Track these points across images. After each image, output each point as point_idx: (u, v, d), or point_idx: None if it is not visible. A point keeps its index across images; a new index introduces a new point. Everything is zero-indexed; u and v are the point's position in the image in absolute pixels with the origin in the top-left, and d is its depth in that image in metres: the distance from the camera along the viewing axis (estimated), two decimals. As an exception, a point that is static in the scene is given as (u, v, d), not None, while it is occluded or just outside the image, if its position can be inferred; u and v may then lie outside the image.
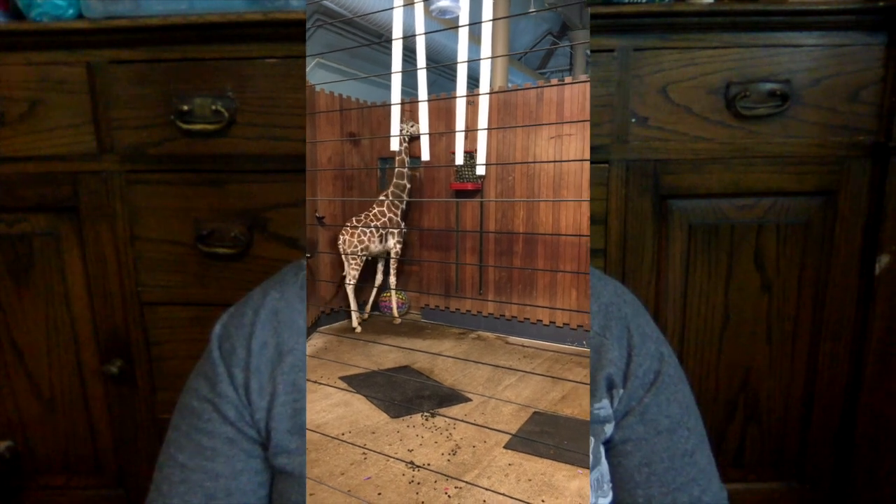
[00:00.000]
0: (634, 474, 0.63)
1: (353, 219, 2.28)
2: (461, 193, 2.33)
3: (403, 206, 2.23)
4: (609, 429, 0.63)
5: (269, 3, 0.97)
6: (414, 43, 1.31)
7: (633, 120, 1.01)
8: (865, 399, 1.09)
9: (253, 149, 1.03)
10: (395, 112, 1.36)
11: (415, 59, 1.33)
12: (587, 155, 2.03)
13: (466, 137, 2.21)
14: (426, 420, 1.37)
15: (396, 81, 1.25)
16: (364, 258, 2.28)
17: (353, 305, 2.31)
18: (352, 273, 2.31)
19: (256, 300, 0.66)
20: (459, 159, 2.14)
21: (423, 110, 1.52)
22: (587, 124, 2.00)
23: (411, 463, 1.13)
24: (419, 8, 1.25)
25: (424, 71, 1.29)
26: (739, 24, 0.97)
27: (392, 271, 2.33)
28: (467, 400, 1.51)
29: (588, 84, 2.00)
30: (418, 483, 1.06)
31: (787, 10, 0.96)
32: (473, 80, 1.54)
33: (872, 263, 1.04)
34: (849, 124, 1.01)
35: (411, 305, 2.58)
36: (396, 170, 2.22)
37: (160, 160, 1.04)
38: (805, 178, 1.03)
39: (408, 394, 1.54)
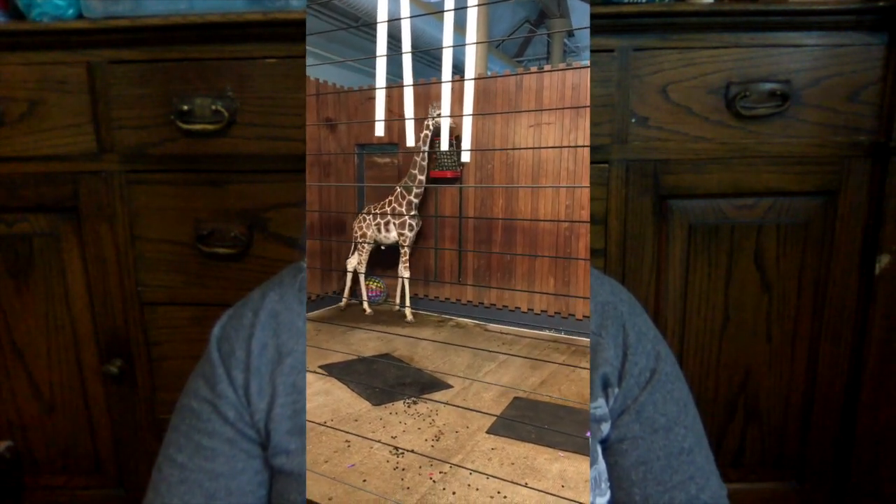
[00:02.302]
0: (631, 473, 0.63)
1: (367, 207, 2.32)
2: (440, 181, 2.33)
3: (411, 198, 2.19)
4: (606, 428, 0.63)
5: (269, 3, 0.97)
6: (396, 29, 1.30)
7: (633, 120, 1.01)
8: (865, 399, 1.09)
9: (253, 149, 1.03)
10: (381, 97, 1.35)
11: (395, 45, 1.32)
12: (566, 142, 2.06)
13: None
14: (408, 407, 1.37)
15: (381, 66, 1.25)
16: (370, 246, 2.31)
17: (346, 290, 2.35)
18: (355, 258, 2.34)
19: (255, 302, 0.66)
20: (445, 145, 2.13)
21: (409, 95, 1.51)
22: (566, 112, 2.02)
23: (396, 448, 1.13)
24: None
25: (410, 56, 1.29)
26: (739, 24, 0.97)
27: (402, 262, 2.29)
28: (448, 386, 1.52)
29: (567, 72, 2.03)
30: (403, 469, 1.07)
31: (787, 10, 0.96)
32: (455, 68, 1.54)
33: (872, 263, 1.04)
34: (849, 124, 1.01)
35: (389, 294, 2.57)
36: (413, 159, 2.18)
37: (160, 160, 1.04)
38: (805, 178, 1.03)
39: (389, 381, 1.55)
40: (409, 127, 1.72)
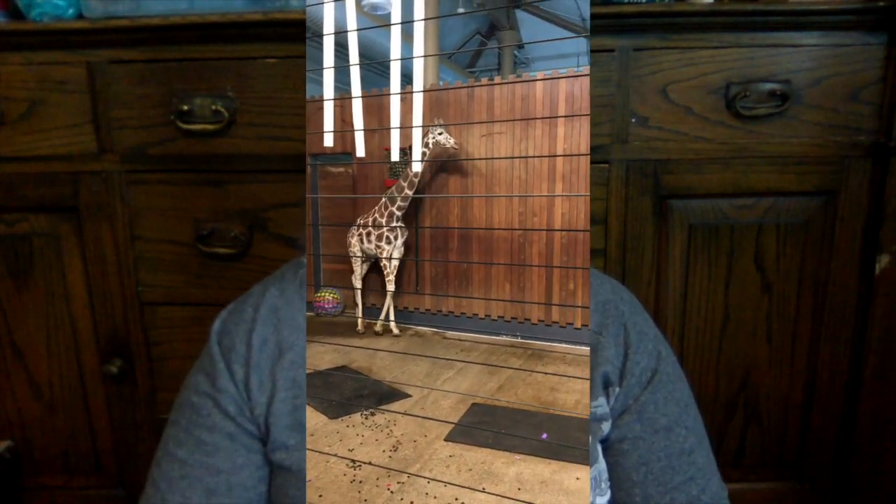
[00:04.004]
0: (632, 473, 0.63)
1: (357, 219, 2.28)
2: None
3: (394, 209, 2.12)
4: (606, 427, 0.63)
5: (269, 3, 0.97)
6: (344, 38, 1.31)
7: (633, 120, 1.01)
8: (865, 399, 1.09)
9: (253, 149, 1.03)
10: (329, 108, 1.36)
11: (344, 55, 1.32)
12: (517, 151, 2.09)
13: (401, 134, 2.19)
14: (366, 419, 1.36)
15: (329, 78, 1.25)
16: (361, 258, 2.26)
17: (358, 307, 2.30)
18: (355, 272, 2.29)
19: (256, 297, 0.66)
20: (395, 156, 2.11)
21: (357, 106, 1.51)
22: (516, 122, 2.06)
23: (353, 461, 1.13)
24: (350, 3, 1.26)
25: (358, 67, 1.29)
26: (739, 24, 0.97)
27: (385, 275, 2.19)
28: (407, 396, 1.52)
29: (517, 84, 2.06)
30: (360, 482, 1.06)
31: (787, 10, 0.96)
32: (405, 77, 1.55)
33: (872, 263, 1.04)
34: (849, 124, 1.01)
35: (347, 305, 2.52)
36: (405, 171, 2.11)
37: (160, 160, 1.04)
38: (805, 178, 1.03)
39: (346, 394, 1.53)
40: (359, 137, 1.71)
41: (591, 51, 0.99)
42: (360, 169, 2.41)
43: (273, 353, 0.62)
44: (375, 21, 3.18)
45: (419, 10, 1.17)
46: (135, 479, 1.17)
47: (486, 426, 1.30)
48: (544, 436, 1.24)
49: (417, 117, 1.71)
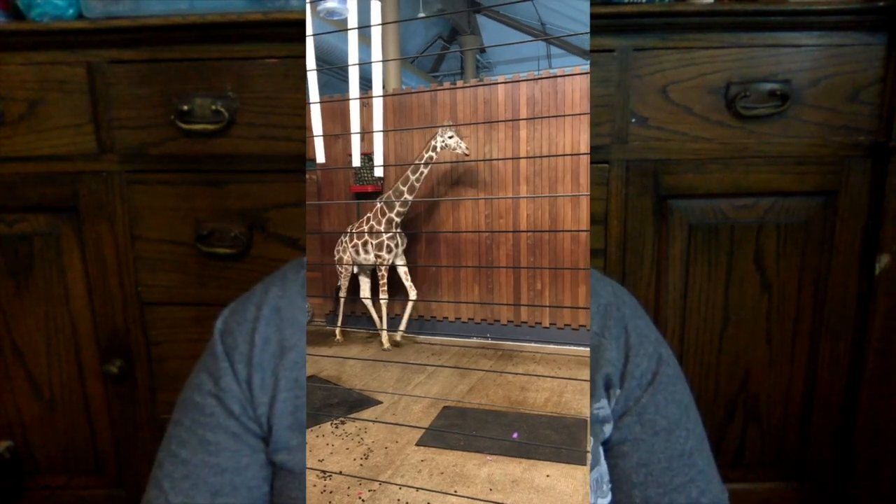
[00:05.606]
0: (631, 475, 0.63)
1: (348, 227, 2.22)
2: (361, 196, 2.31)
3: (392, 215, 1.99)
4: (608, 429, 0.63)
5: (269, 3, 0.97)
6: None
7: (633, 120, 1.01)
8: (865, 399, 1.09)
9: (253, 149, 1.03)
10: None
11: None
12: (482, 154, 2.10)
13: (363, 139, 2.17)
14: (336, 427, 1.36)
15: None
16: (348, 270, 2.16)
17: (339, 317, 2.25)
18: (342, 283, 2.20)
19: (259, 296, 0.66)
20: (357, 161, 2.09)
21: (316, 112, 1.51)
22: (480, 126, 2.08)
23: (323, 471, 1.12)
24: (307, 9, 1.26)
25: (315, 73, 1.29)
26: (739, 24, 0.97)
27: (380, 284, 2.09)
28: (378, 403, 1.52)
29: (479, 88, 2.09)
30: (331, 492, 1.06)
31: (787, 10, 0.96)
32: (366, 82, 1.55)
33: (872, 263, 1.04)
34: (849, 124, 1.01)
35: (315, 313, 2.49)
36: (406, 174, 1.98)
37: (160, 160, 1.04)
38: (805, 178, 1.03)
39: (315, 403, 1.53)
40: (319, 143, 1.69)
41: (592, 51, 0.98)
42: (324, 175, 2.39)
43: (275, 352, 0.62)
44: (332, 27, 3.12)
45: (376, 15, 1.17)
46: (135, 479, 1.17)
47: (457, 429, 1.30)
48: (515, 435, 1.25)
49: (378, 122, 1.70)
